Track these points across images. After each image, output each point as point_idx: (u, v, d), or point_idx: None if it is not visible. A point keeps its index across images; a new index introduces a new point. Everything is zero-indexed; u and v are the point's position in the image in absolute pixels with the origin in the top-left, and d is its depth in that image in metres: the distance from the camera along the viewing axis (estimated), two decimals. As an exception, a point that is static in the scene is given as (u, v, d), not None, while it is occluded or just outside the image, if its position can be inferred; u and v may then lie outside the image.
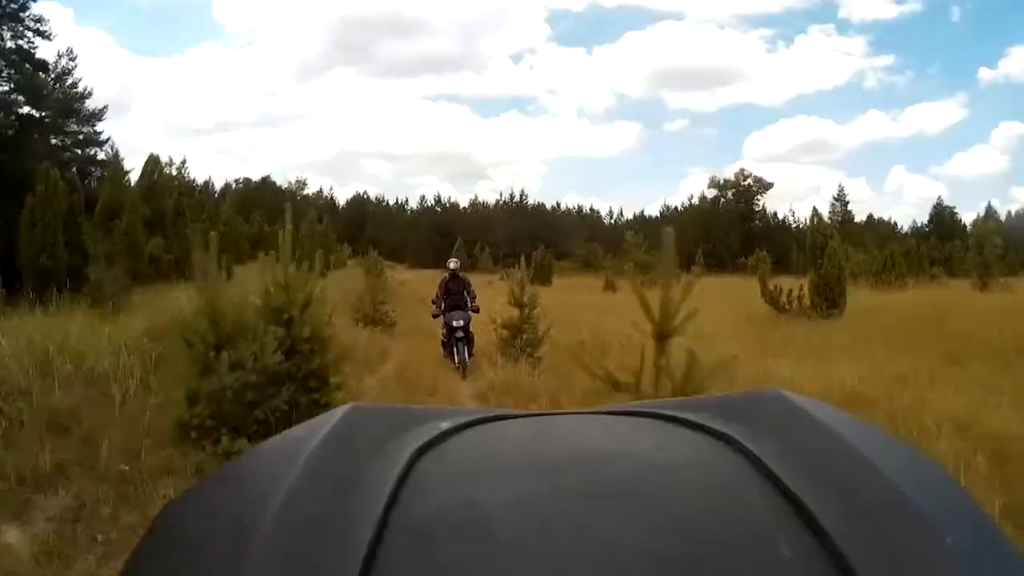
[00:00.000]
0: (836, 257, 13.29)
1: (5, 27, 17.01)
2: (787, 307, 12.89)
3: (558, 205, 59.05)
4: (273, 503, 0.31)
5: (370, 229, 47.01)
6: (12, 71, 17.02)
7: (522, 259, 9.73)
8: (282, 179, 74.97)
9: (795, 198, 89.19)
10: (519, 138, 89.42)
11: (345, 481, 0.33)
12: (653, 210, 55.94)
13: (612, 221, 55.43)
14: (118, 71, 70.69)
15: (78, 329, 5.45)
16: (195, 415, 3.80)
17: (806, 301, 12.95)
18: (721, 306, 13.89)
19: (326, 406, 4.35)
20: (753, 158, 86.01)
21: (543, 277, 25.10)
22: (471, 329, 8.04)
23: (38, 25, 17.59)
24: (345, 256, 31.53)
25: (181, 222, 20.95)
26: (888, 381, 6.38)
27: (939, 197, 52.46)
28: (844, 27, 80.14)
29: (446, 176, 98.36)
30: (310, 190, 61.13)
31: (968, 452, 3.95)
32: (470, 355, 7.92)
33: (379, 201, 58.85)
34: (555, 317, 8.91)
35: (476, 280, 11.13)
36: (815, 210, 16.20)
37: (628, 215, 55.73)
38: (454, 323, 7.90)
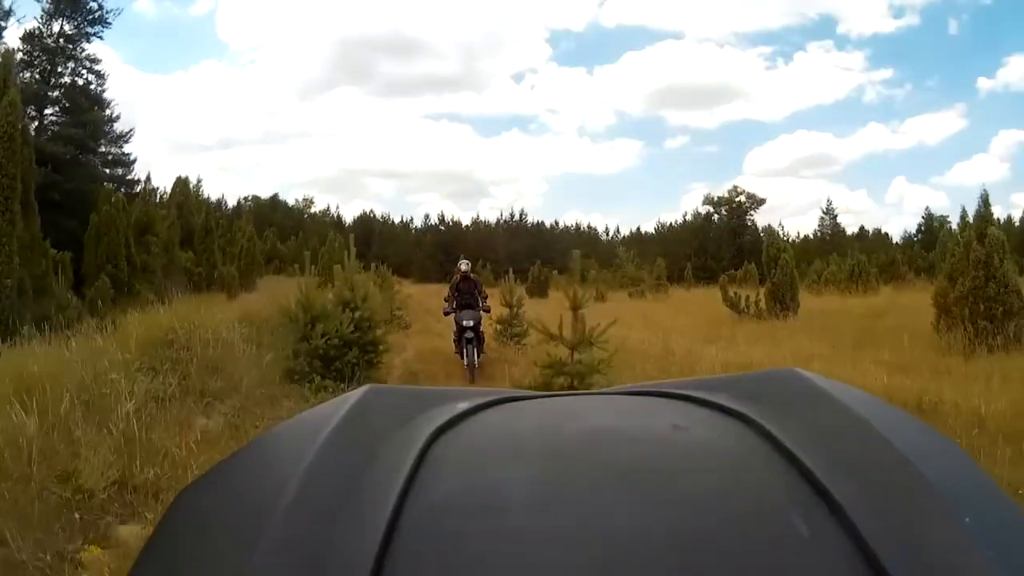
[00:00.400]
0: (788, 267, 15.39)
1: (63, 65, 19.41)
2: (745, 310, 14.97)
3: (556, 223, 61.32)
4: (290, 484, 0.32)
5: (376, 246, 49.27)
6: (68, 103, 19.38)
7: (510, 273, 11.88)
8: (286, 196, 77.22)
9: (797, 212, 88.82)
10: (520, 156, 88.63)
11: (363, 462, 0.33)
12: (651, 226, 58.18)
13: (608, 238, 57.77)
14: (123, 86, 70.66)
15: (189, 316, 7.61)
16: (297, 364, 5.97)
17: (763, 305, 15.05)
18: (693, 311, 16.09)
19: (379, 364, 6.55)
20: (754, 173, 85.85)
21: (540, 290, 27.30)
22: (482, 328, 8.35)
23: (92, 64, 20.01)
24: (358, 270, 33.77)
25: (209, 238, 23.19)
26: (791, 359, 8.38)
27: (926, 207, 54.29)
28: (843, 43, 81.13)
29: (448, 194, 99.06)
30: (316, 208, 63.55)
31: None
32: (480, 353, 8.21)
33: (384, 220, 61.15)
34: (545, 318, 11.06)
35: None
36: (770, 227, 18.36)
37: (625, 231, 58.12)
38: (464, 322, 8.12)
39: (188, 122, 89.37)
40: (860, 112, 78.34)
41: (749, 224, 51.32)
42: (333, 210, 64.68)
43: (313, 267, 8.62)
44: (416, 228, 59.86)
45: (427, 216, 61.90)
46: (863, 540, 0.28)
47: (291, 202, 62.47)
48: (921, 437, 0.38)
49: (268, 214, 53.38)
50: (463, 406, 0.39)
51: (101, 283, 14.00)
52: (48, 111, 19.82)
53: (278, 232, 46.57)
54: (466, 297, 8.43)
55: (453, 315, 8.38)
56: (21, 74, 16.68)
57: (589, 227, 60.86)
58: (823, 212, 52.11)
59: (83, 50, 20.00)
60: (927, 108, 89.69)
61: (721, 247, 46.73)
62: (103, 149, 22.08)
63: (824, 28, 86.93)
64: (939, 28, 72.64)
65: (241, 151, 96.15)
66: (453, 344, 8.53)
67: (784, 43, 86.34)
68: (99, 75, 20.47)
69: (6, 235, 10.61)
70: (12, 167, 10.83)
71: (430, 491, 0.31)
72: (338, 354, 5.93)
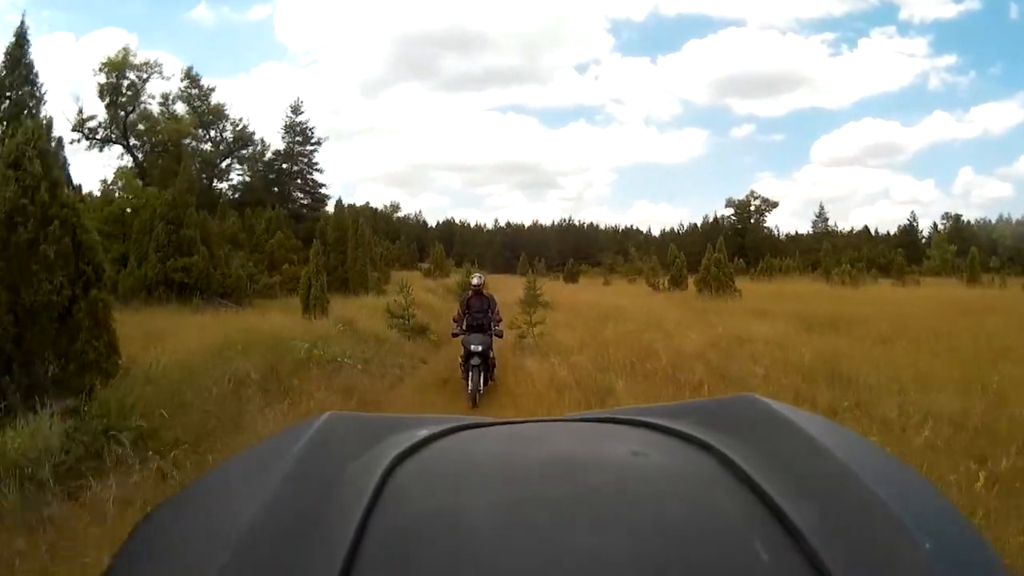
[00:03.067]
0: (722, 263, 26.19)
1: (297, 164, 33.40)
2: (659, 288, 26.67)
3: (595, 224, 71.72)
4: (251, 510, 0.31)
5: (457, 245, 62.36)
6: (301, 181, 33.40)
7: (540, 262, 23.56)
8: (354, 191, 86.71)
9: (864, 202, 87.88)
10: (588, 147, 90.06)
11: (324, 487, 0.33)
12: (700, 220, 66.96)
13: (644, 237, 68.93)
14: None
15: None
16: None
17: (666, 285, 26.55)
18: (643, 290, 27.84)
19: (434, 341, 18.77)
20: (821, 162, 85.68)
21: (572, 278, 39.51)
22: (492, 354, 7.23)
23: (311, 159, 33.77)
24: (451, 267, 46.16)
25: (361, 243, 36.61)
26: (683, 313, 19.89)
27: (912, 212, 60.65)
28: (905, 28, 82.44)
29: (516, 185, 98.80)
30: (402, 212, 72.68)
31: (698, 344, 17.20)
32: (487, 382, 7.16)
33: (463, 224, 73.66)
34: (560, 296, 22.65)
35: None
36: (713, 244, 29.80)
37: (688, 221, 68.45)
38: (472, 347, 7.02)
39: (252, 124, 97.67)
40: (925, 99, 78.91)
41: (762, 224, 61.46)
42: (408, 210, 75.39)
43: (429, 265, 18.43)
44: (488, 230, 72.41)
45: (496, 221, 74.22)
46: (822, 565, 0.28)
47: (380, 207, 74.02)
48: (880, 462, 0.38)
49: (367, 217, 66.18)
50: (423, 433, 0.39)
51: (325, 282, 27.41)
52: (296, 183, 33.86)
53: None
54: (477, 317, 7.42)
55: (461, 338, 7.33)
56: (281, 166, 30.97)
57: (632, 227, 71.93)
58: (815, 215, 61.42)
59: (307, 154, 33.60)
60: (992, 96, 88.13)
61: (725, 245, 57.37)
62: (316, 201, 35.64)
63: (886, 14, 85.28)
64: (1001, 13, 70.55)
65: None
66: (460, 368, 7.36)
67: (847, 29, 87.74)
68: (314, 164, 34.19)
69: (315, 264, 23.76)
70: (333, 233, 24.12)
71: (391, 516, 0.31)
72: (418, 333, 11.61)
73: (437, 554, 0.29)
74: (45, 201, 4.86)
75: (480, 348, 7.02)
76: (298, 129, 33.09)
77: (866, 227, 61.88)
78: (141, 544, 0.37)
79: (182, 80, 28.50)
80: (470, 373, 6.98)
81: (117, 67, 24.86)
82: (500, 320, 7.66)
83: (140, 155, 26.23)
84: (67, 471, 3.80)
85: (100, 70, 25.16)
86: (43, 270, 4.70)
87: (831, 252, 43.15)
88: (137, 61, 25.77)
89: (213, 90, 29.45)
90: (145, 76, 25.58)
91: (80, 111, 25.22)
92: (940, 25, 73.75)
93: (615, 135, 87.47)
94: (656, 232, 68.90)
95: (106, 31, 79.61)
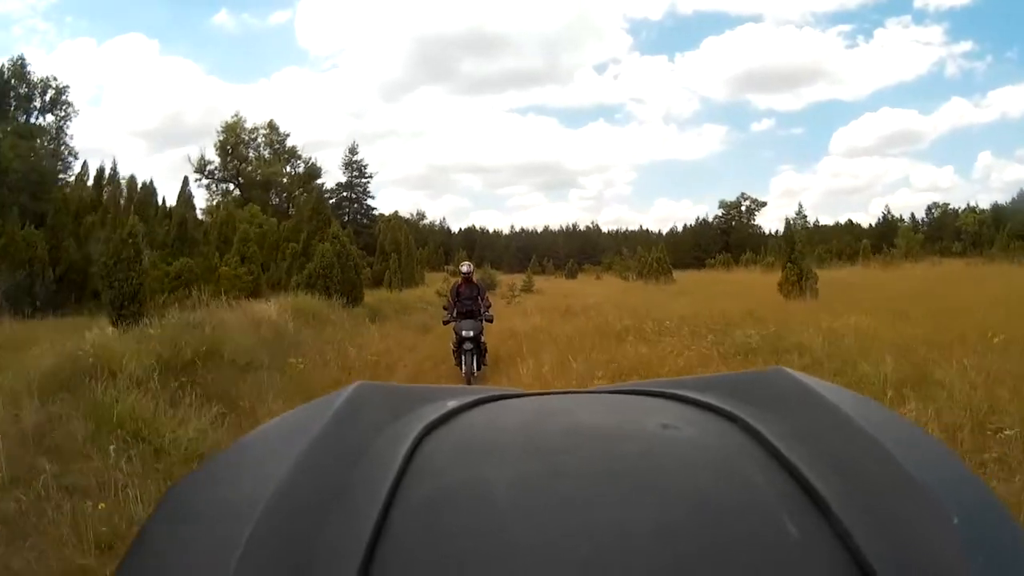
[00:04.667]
0: (662, 258, 34.74)
1: (353, 192, 42.83)
2: (632, 281, 35.22)
3: (598, 227, 77.43)
4: (278, 481, 0.32)
5: (478, 248, 71.22)
6: (357, 206, 42.83)
7: (548, 262, 32.21)
8: (376, 194, 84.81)
9: (886, 191, 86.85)
10: (608, 146, 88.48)
11: (352, 458, 0.34)
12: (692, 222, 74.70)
13: (646, 237, 76.98)
14: (207, 97, 72.04)
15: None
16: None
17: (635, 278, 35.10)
18: (619, 281, 36.28)
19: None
20: (840, 153, 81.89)
21: (572, 275, 48.26)
22: (483, 339, 7.61)
23: (365, 189, 43.20)
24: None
25: (410, 251, 45.79)
26: (618, 293, 28.21)
27: (886, 206, 65.94)
28: (920, 17, 79.72)
29: (536, 185, 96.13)
30: (427, 220, 78.28)
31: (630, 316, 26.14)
32: (480, 366, 7.54)
33: (483, 231, 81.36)
34: (553, 286, 31.19)
35: (540, 278, 33.24)
36: (657, 247, 38.24)
37: (676, 226, 76.63)
38: (463, 332, 7.43)
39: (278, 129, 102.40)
40: (942, 87, 77.47)
41: (751, 223, 69.38)
42: (431, 214, 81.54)
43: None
44: (505, 235, 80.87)
45: (512, 227, 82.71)
46: (851, 539, 0.28)
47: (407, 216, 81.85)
48: (908, 435, 0.38)
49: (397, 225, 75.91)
50: (452, 404, 0.40)
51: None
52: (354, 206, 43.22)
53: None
54: (467, 303, 7.67)
55: (453, 324, 7.62)
56: (342, 193, 40.45)
57: (641, 228, 79.43)
58: (796, 214, 68.68)
59: (362, 185, 43.15)
60: (1009, 80, 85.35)
61: (712, 243, 65.27)
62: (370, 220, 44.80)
63: (901, 3, 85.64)
64: (1013, -2, 72.04)
65: (328, 153, 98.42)
66: (452, 355, 7.78)
67: (862, 21, 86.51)
68: (367, 192, 43.78)
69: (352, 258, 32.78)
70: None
71: (419, 487, 0.32)
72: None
73: (465, 526, 0.30)
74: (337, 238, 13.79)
75: (472, 333, 7.38)
76: (355, 165, 43.04)
77: (850, 220, 65.76)
78: (170, 513, 0.37)
79: (265, 129, 38.70)
80: (463, 357, 7.39)
81: (232, 128, 35.45)
82: (490, 306, 7.90)
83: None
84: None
85: (219, 131, 36.16)
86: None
87: (795, 246, 51.20)
88: (248, 126, 36.35)
89: (288, 135, 39.43)
90: (251, 137, 35.77)
91: (202, 158, 36.21)
92: (955, 12, 72.28)
93: (635, 134, 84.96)
94: (665, 231, 76.35)
95: (129, 36, 78.98)
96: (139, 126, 72.79)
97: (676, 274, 33.52)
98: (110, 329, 6.68)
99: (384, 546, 0.28)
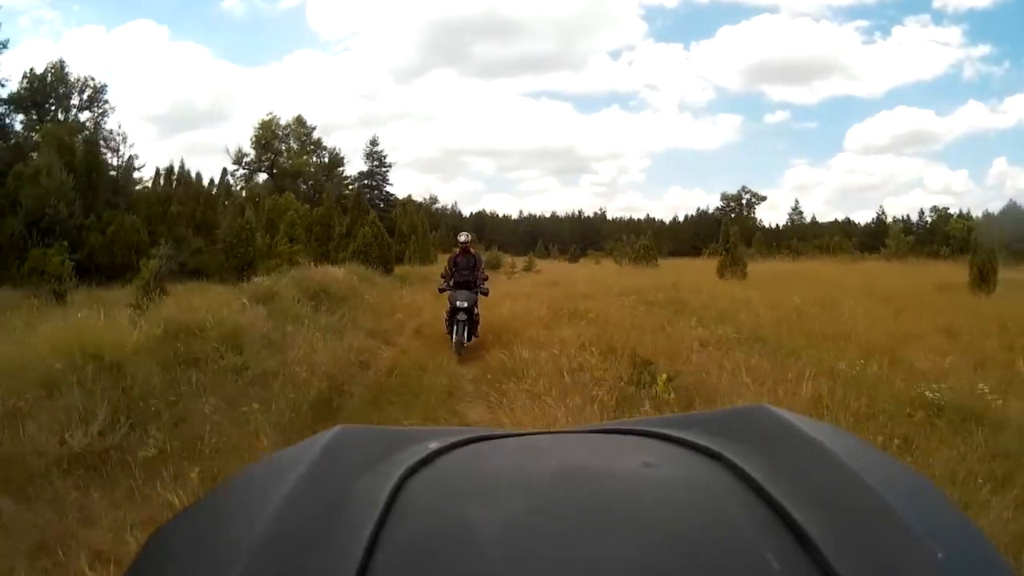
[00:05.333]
0: (650, 247, 38.35)
1: (372, 180, 46.86)
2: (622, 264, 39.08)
3: (604, 214, 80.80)
4: (261, 525, 0.32)
5: (487, 232, 75.01)
6: (379, 191, 46.84)
7: (553, 247, 36.13)
8: (399, 183, 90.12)
9: (899, 190, 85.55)
10: (622, 133, 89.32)
11: (334, 502, 0.33)
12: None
13: (649, 225, 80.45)
14: (217, 81, 73.64)
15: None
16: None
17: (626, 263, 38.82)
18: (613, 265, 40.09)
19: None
20: (854, 150, 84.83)
21: (574, 259, 52.13)
22: (477, 310, 7.67)
23: (385, 177, 47.22)
24: (481, 249, 59.10)
25: (425, 233, 49.78)
26: (608, 274, 31.87)
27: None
28: (939, 17, 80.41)
29: (549, 170, 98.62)
30: (439, 204, 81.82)
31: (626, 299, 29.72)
32: (471, 337, 7.59)
33: (492, 215, 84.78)
34: (554, 268, 34.82)
35: (544, 262, 36.91)
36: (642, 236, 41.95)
37: (679, 216, 79.58)
38: (457, 303, 7.52)
39: (286, 111, 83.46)
40: (960, 89, 77.32)
41: (751, 216, 72.75)
42: (443, 198, 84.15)
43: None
44: (513, 219, 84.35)
45: (520, 212, 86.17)
46: (835, 574, 0.28)
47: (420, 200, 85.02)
48: (891, 471, 0.38)
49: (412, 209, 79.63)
50: (434, 446, 0.39)
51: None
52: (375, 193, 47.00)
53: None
54: (463, 274, 7.79)
55: (448, 294, 7.74)
56: (364, 181, 44.63)
57: (648, 216, 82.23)
58: (792, 210, 72.11)
59: (382, 174, 47.03)
60: None
61: (710, 232, 68.79)
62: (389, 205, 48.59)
63: (920, 2, 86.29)
64: (1034, 4, 70.03)
65: (340, 136, 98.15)
66: (445, 325, 7.84)
67: (880, 17, 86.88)
68: (387, 180, 47.75)
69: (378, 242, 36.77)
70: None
71: (402, 530, 0.31)
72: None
73: (448, 568, 0.29)
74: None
75: (465, 304, 7.44)
76: (375, 155, 47.13)
77: (848, 218, 69.12)
78: (154, 556, 0.37)
79: (292, 122, 43.15)
80: (455, 327, 7.43)
81: (267, 125, 40.18)
82: (486, 278, 7.89)
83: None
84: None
85: (256, 127, 41.31)
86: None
87: (729, 238, 54.67)
88: (282, 123, 41.09)
89: (315, 128, 43.85)
90: (284, 132, 40.10)
91: (239, 151, 41.38)
92: (974, 15, 75.04)
93: (649, 121, 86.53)
94: (678, 218, 79.43)
95: (137, 23, 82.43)
96: (149, 111, 75.06)
97: (668, 261, 37.36)
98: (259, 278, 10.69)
99: None
